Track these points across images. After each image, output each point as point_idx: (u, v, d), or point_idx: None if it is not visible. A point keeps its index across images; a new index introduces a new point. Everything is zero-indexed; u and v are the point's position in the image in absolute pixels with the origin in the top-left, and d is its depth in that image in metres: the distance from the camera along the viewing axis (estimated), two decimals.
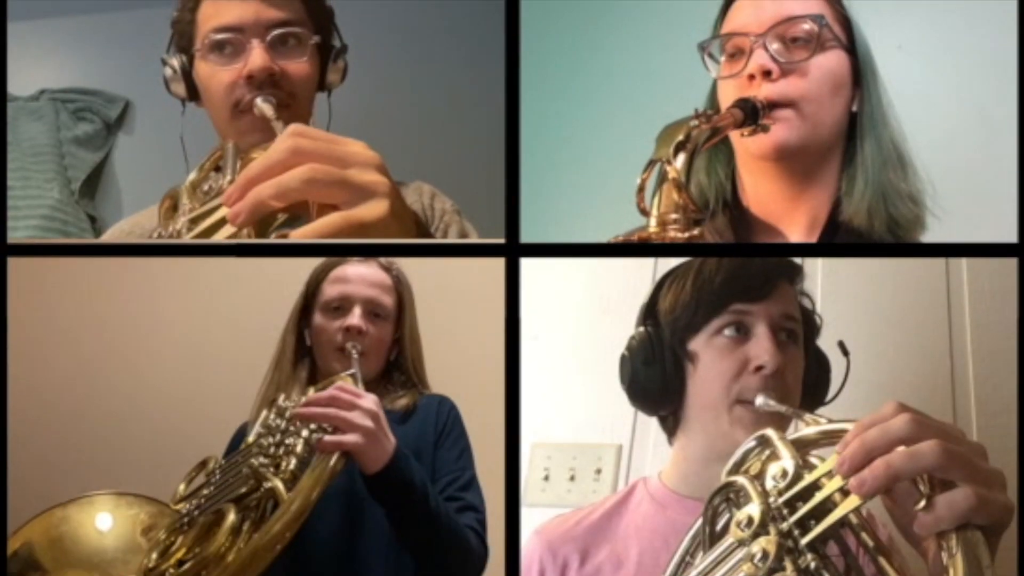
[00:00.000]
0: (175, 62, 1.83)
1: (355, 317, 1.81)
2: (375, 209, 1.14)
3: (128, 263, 2.39)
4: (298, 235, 1.11)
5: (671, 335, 1.53)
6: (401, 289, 1.89)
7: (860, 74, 1.58)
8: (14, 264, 1.74)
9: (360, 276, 1.85)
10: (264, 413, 1.67)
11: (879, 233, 1.56)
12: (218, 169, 1.57)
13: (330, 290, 1.85)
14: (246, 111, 1.73)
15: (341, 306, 1.83)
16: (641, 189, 1.39)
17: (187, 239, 1.32)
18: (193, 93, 1.84)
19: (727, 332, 1.48)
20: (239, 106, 1.74)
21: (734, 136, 1.59)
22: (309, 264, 1.91)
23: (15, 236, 2.74)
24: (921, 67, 2.01)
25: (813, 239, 1.60)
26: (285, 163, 1.15)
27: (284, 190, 1.12)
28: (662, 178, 1.38)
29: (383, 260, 1.88)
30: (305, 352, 1.88)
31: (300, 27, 1.80)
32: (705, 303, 1.50)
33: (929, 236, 1.61)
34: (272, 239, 1.15)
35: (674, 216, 1.36)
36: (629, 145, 1.45)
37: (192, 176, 1.55)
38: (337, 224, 1.11)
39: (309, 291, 1.88)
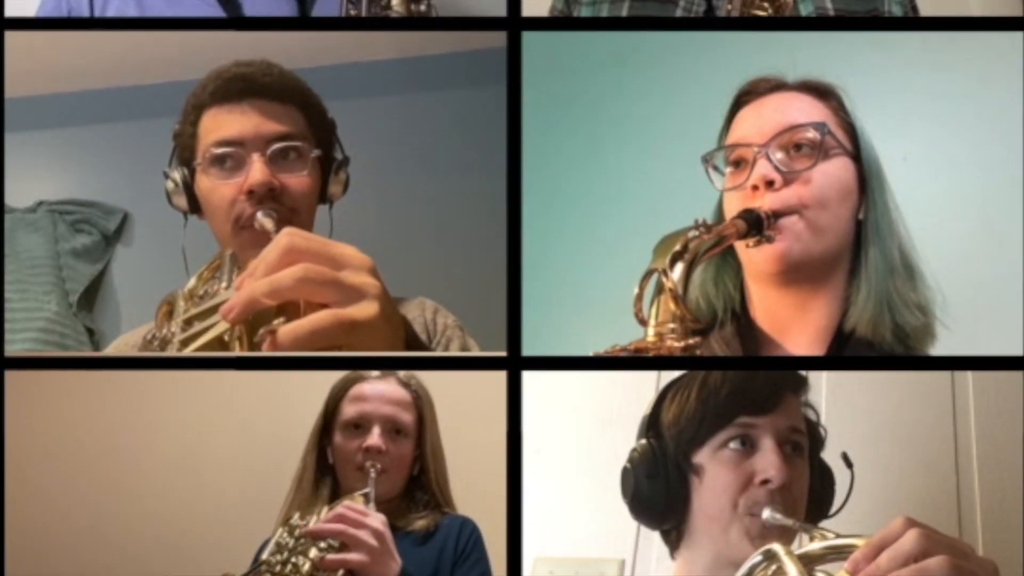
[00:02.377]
0: (177, 175, 1.82)
1: (374, 437, 1.80)
2: (366, 309, 1.13)
3: (127, 376, 2.37)
4: (288, 330, 1.09)
5: (675, 448, 1.51)
6: (421, 404, 1.88)
7: (866, 181, 1.58)
8: (11, 377, 1.72)
9: (379, 394, 1.85)
10: (279, 531, 1.66)
11: (887, 343, 1.54)
12: (216, 276, 1.57)
13: (349, 409, 1.84)
14: (247, 226, 1.72)
15: (360, 424, 1.82)
16: (639, 299, 1.38)
17: (179, 338, 1.30)
18: (195, 206, 1.83)
19: (733, 445, 1.47)
20: (240, 221, 1.73)
21: (740, 247, 1.58)
22: (312, 377, 1.90)
23: (12, 349, 2.72)
24: (927, 178, 2.02)
25: (821, 349, 1.58)
26: (279, 263, 1.15)
27: (277, 288, 1.12)
28: (659, 288, 1.37)
29: (402, 375, 1.88)
30: (327, 470, 1.87)
31: (301, 140, 1.80)
32: (711, 416, 1.48)
33: (939, 346, 1.59)
34: (261, 332, 1.12)
35: (671, 326, 1.36)
36: (633, 257, 1.44)
37: (190, 283, 1.55)
38: (327, 321, 1.10)
39: (329, 409, 1.88)
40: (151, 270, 2.98)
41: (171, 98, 1.88)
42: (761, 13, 1.77)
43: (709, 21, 1.85)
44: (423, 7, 1.70)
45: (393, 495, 1.82)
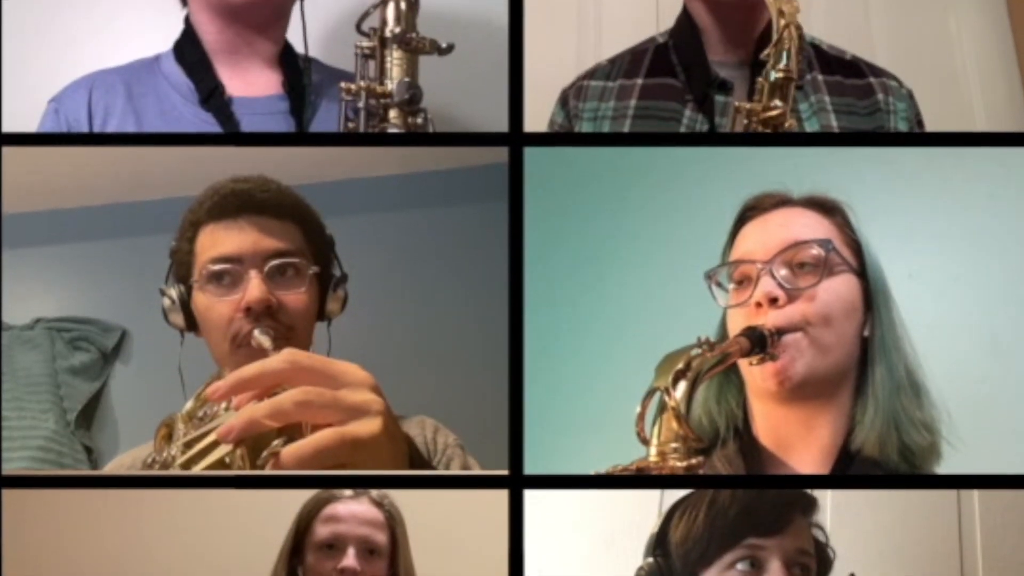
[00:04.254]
0: (173, 292, 1.82)
1: (350, 558, 1.77)
2: (369, 426, 1.13)
3: (125, 495, 2.35)
4: (292, 451, 1.09)
5: (682, 567, 1.48)
6: (394, 524, 1.85)
7: (871, 298, 1.57)
8: (9, 496, 1.71)
9: (352, 514, 1.82)
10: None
11: (893, 461, 1.52)
12: None
13: (322, 529, 1.81)
14: (244, 344, 1.70)
15: (334, 545, 1.79)
16: (641, 418, 1.37)
17: (180, 461, 1.29)
18: (191, 323, 1.82)
19: (740, 566, 1.44)
20: (237, 339, 1.72)
21: (743, 364, 1.56)
22: (278, 496, 1.88)
23: (10, 467, 2.71)
24: (933, 295, 2.01)
25: (826, 468, 1.56)
26: (281, 373, 1.15)
27: (278, 411, 1.11)
28: (661, 407, 1.36)
29: (375, 495, 1.85)
30: None
31: (298, 257, 1.79)
32: (718, 536, 1.46)
33: (945, 464, 1.57)
34: (264, 455, 1.12)
35: (674, 445, 1.35)
36: (636, 374, 1.43)
37: (188, 405, 1.53)
38: (331, 440, 1.10)
39: (300, 529, 1.84)
40: (150, 388, 2.97)
41: (169, 214, 1.88)
42: (753, 107, 1.78)
43: (712, 136, 1.85)
44: (420, 120, 1.71)
45: None
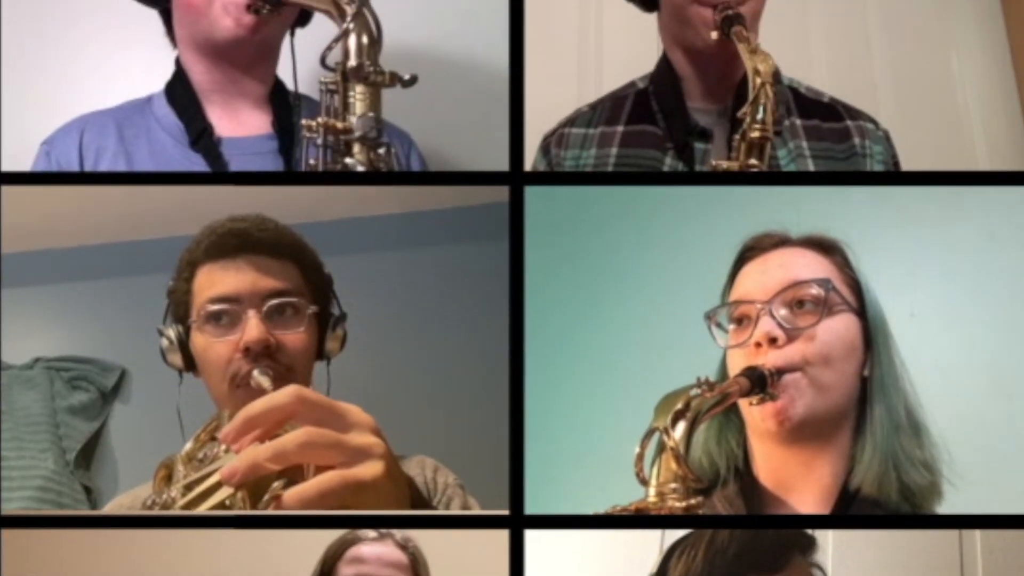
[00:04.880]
0: (171, 332, 1.82)
1: None
2: (371, 469, 1.12)
3: (124, 535, 2.34)
4: (295, 493, 1.08)
5: None
6: (418, 567, 1.85)
7: (871, 338, 1.57)
8: (8, 536, 1.71)
9: (377, 556, 1.81)
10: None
11: (894, 501, 1.51)
12: (214, 439, 1.54)
13: (346, 571, 1.81)
14: (243, 384, 1.70)
15: None
16: (640, 459, 1.37)
17: (181, 503, 1.29)
18: (190, 363, 1.82)
19: None
20: (236, 379, 1.71)
21: (743, 404, 1.56)
22: (304, 537, 1.88)
23: (9, 507, 2.72)
24: (933, 333, 2.01)
25: (826, 507, 1.55)
26: (287, 408, 1.15)
27: (281, 453, 1.11)
28: (660, 447, 1.36)
29: (399, 537, 1.85)
30: None
31: (297, 296, 1.79)
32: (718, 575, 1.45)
33: (946, 504, 1.56)
34: (266, 498, 1.12)
35: (673, 486, 1.34)
36: (635, 414, 1.43)
37: (188, 446, 1.52)
38: (334, 482, 1.10)
39: (324, 570, 1.84)
40: (149, 427, 2.97)
41: (168, 253, 1.88)
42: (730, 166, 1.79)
43: (713, 175, 1.85)
44: (383, 152, 1.69)
45: None
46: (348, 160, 1.67)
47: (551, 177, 2.03)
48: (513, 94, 1.96)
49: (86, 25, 2.54)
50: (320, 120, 1.67)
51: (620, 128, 2.04)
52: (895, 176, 1.97)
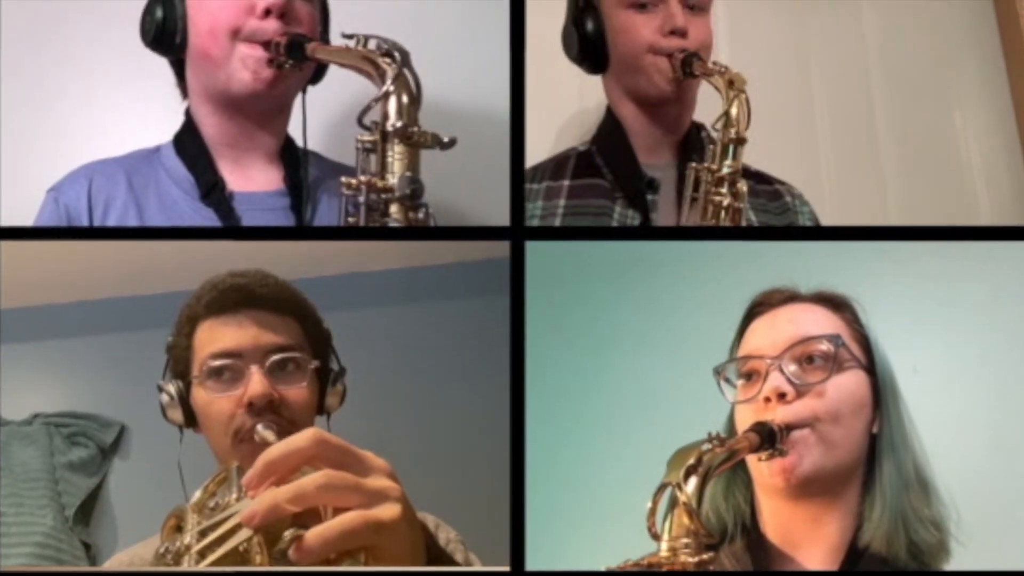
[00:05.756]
0: (172, 388, 1.80)
1: None
2: (390, 511, 1.13)
3: None
4: (317, 533, 1.08)
5: None
6: None
7: (880, 395, 1.57)
8: None
9: None
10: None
11: (902, 559, 1.50)
12: (222, 487, 1.53)
13: None
14: (247, 439, 1.69)
15: None
16: (652, 513, 1.36)
17: (196, 549, 1.28)
18: (190, 419, 1.80)
19: None
20: (239, 434, 1.70)
21: (751, 460, 1.55)
22: None
23: (7, 564, 2.71)
24: (938, 390, 2.00)
25: (834, 564, 1.54)
26: (307, 451, 1.16)
27: (301, 495, 1.11)
28: (673, 503, 1.35)
29: None
30: None
31: (299, 352, 1.78)
32: None
33: (954, 562, 1.55)
34: (288, 537, 1.11)
35: (685, 541, 1.33)
36: (643, 470, 1.42)
37: (197, 495, 1.51)
38: (356, 523, 1.10)
39: None
40: (149, 484, 2.94)
41: (168, 309, 1.87)
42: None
43: (720, 231, 1.86)
44: (421, 215, 1.69)
45: None
46: (386, 219, 1.67)
47: (553, 232, 2.03)
48: (514, 150, 1.96)
49: (87, 75, 2.54)
50: (363, 178, 1.67)
51: (566, 182, 2.07)
52: (900, 232, 1.98)
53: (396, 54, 1.69)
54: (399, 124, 1.65)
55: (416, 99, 1.69)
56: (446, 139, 1.68)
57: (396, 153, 1.66)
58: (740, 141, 1.85)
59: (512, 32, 2.02)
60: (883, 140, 2.80)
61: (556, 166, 2.12)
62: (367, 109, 1.68)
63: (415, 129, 1.66)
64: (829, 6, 2.95)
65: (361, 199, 1.67)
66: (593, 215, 2.01)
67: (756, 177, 2.09)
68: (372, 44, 1.72)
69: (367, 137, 1.68)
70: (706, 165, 1.88)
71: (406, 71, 1.68)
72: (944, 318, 2.09)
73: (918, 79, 2.91)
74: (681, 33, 1.97)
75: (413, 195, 1.66)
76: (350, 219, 1.70)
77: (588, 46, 2.07)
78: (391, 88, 1.66)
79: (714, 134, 1.92)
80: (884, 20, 2.95)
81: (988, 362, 2.04)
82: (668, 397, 2.16)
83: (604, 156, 2.08)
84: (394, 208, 1.67)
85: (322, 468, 1.14)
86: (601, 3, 2.06)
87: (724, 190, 1.87)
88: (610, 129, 2.08)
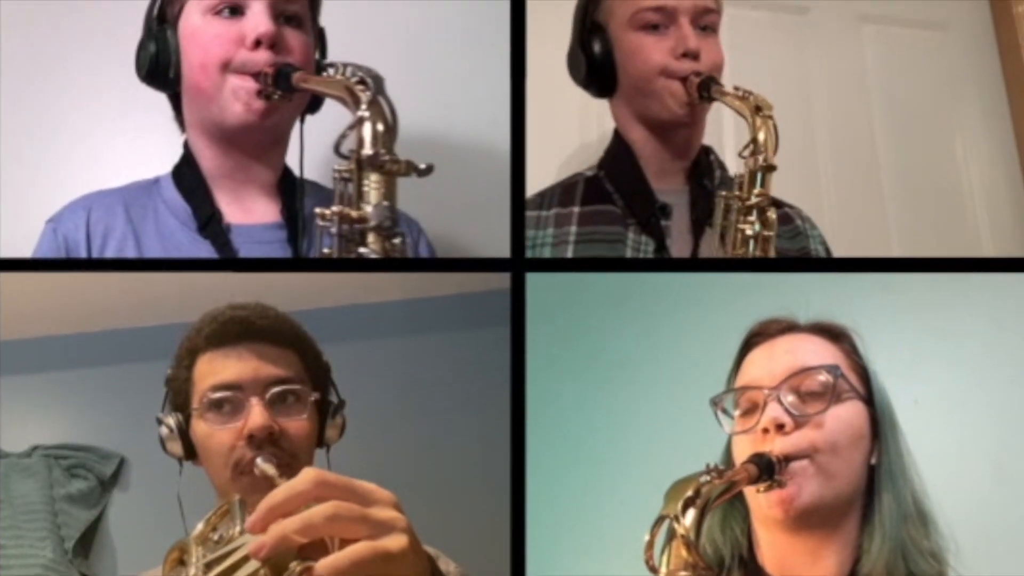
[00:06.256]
0: (171, 421, 1.80)
1: None
2: (398, 541, 1.14)
3: None
4: (328, 563, 1.09)
5: None
6: None
7: (879, 426, 1.56)
8: None
9: None
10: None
11: None
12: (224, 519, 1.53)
13: None
14: (247, 471, 1.69)
15: None
16: (650, 546, 1.35)
17: None
18: (190, 452, 1.80)
19: None
20: (240, 466, 1.70)
21: (748, 492, 1.54)
22: None
23: None
24: (938, 421, 2.00)
25: None
26: (308, 494, 1.15)
27: (309, 526, 1.12)
28: (671, 535, 1.34)
29: None
30: None
31: (299, 384, 1.78)
32: None
33: None
34: (298, 571, 1.13)
35: (683, 574, 1.32)
36: (639, 501, 1.42)
37: (199, 528, 1.51)
38: (365, 553, 1.11)
39: None
40: (148, 516, 2.94)
41: (168, 340, 1.87)
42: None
43: (719, 262, 1.86)
44: (397, 241, 1.67)
45: None
46: (362, 249, 1.65)
47: (553, 264, 2.03)
48: (514, 181, 1.96)
49: (87, 107, 2.55)
50: (335, 209, 1.66)
51: (576, 208, 2.05)
52: (900, 263, 1.97)
53: (369, 80, 1.67)
54: (371, 152, 1.63)
55: (391, 127, 1.66)
56: (422, 166, 1.66)
57: (372, 182, 1.64)
58: (769, 168, 1.83)
59: (512, 63, 2.03)
60: (885, 170, 2.81)
61: (564, 192, 2.10)
62: (343, 137, 1.66)
63: (388, 157, 1.64)
64: (831, 36, 2.96)
65: (333, 230, 1.66)
66: (607, 242, 2.00)
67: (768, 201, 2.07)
68: (349, 72, 1.71)
69: (343, 166, 1.67)
70: (736, 193, 1.87)
71: (380, 98, 1.66)
72: (945, 350, 2.09)
73: (920, 110, 2.91)
74: (693, 55, 1.95)
75: (390, 224, 1.65)
76: (324, 251, 1.69)
77: (596, 69, 2.05)
78: (365, 115, 1.64)
79: (723, 158, 1.91)
80: (886, 50, 2.96)
81: (988, 393, 2.04)
82: (666, 428, 2.15)
83: (614, 181, 2.07)
84: (371, 238, 1.65)
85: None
86: (609, 25, 2.04)
87: (753, 218, 1.86)
88: (619, 154, 2.07)
